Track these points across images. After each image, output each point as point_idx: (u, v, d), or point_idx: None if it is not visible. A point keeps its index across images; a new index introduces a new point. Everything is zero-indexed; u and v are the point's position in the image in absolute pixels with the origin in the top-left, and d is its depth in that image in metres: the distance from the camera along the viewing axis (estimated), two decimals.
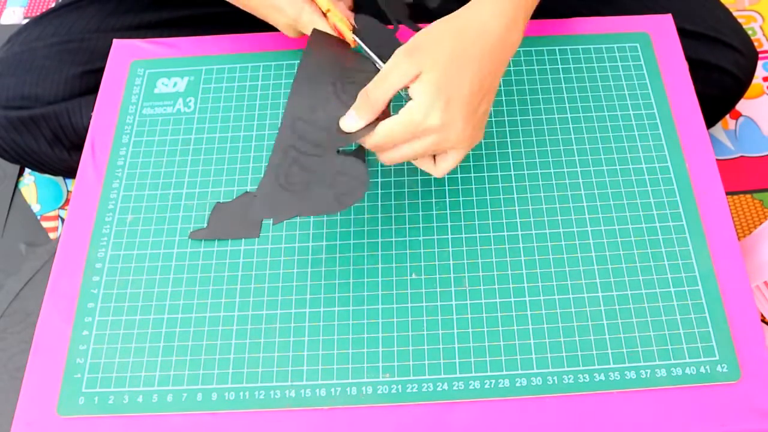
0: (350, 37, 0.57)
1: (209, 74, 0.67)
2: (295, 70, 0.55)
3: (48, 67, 0.77)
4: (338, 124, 0.52)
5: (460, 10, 0.52)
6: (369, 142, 0.51)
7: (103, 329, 0.54)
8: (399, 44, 0.51)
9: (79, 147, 0.73)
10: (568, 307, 0.53)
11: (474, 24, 0.51)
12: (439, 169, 0.54)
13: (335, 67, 0.55)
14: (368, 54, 0.56)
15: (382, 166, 0.61)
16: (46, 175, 0.93)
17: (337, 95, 0.53)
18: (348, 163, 0.51)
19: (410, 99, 0.49)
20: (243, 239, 0.58)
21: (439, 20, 0.51)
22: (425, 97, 0.48)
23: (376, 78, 0.50)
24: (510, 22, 0.51)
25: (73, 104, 0.77)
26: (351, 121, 0.51)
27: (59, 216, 0.90)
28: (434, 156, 0.54)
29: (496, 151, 0.61)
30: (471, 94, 0.49)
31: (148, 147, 0.63)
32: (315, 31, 0.58)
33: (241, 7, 0.64)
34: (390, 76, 0.49)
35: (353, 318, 0.54)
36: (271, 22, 0.63)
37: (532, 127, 0.62)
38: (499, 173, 0.60)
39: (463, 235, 0.57)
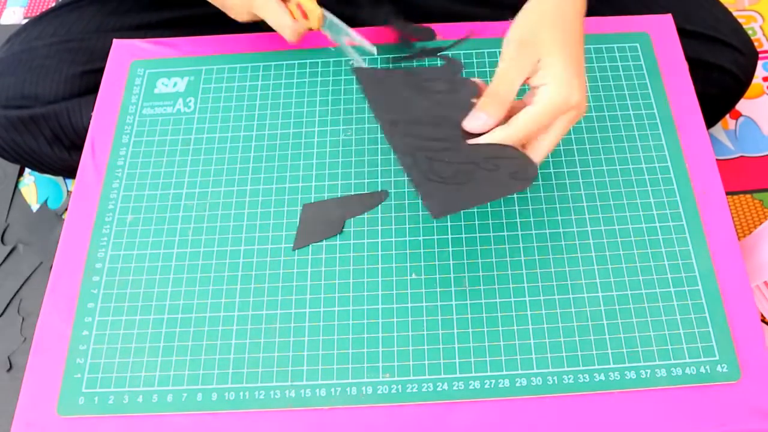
0: (318, 12, 0.56)
1: (209, 74, 0.67)
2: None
3: (48, 66, 0.77)
4: (462, 125, 0.51)
5: None
6: (511, 136, 0.50)
7: (103, 329, 0.54)
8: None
9: (78, 147, 0.73)
10: (568, 307, 0.53)
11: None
12: (542, 150, 0.52)
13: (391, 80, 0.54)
14: (340, 27, 0.55)
15: (381, 165, 0.61)
16: (46, 175, 0.93)
17: (416, 91, 0.53)
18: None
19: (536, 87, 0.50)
20: (243, 239, 0.58)
21: (521, 11, 0.52)
22: (562, 77, 0.49)
23: (496, 77, 0.50)
24: None
25: (72, 104, 0.77)
26: (480, 122, 0.50)
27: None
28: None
29: None
30: (581, 56, 0.51)
31: (148, 147, 0.63)
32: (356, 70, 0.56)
33: None
34: (510, 71, 0.50)
35: (353, 318, 0.54)
36: (224, 8, 0.63)
37: None
38: None
39: (463, 235, 0.57)
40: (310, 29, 0.62)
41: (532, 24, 0.51)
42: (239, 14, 0.62)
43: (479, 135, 0.51)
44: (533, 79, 0.50)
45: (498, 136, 0.50)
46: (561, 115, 0.50)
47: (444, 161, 0.50)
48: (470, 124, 0.51)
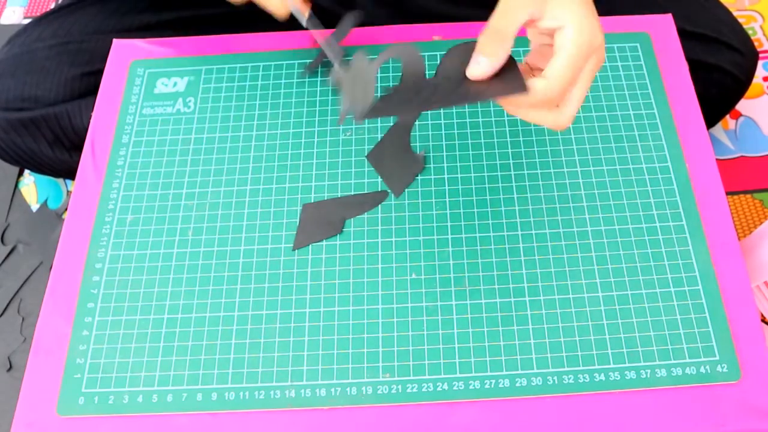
0: None
1: (209, 74, 0.67)
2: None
3: (48, 68, 0.77)
4: (465, 75, 0.45)
5: None
6: (551, 90, 0.44)
7: (103, 329, 0.54)
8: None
9: (79, 148, 0.73)
10: (568, 307, 0.53)
11: None
12: (567, 114, 0.47)
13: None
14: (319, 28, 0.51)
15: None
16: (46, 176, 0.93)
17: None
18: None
19: (554, 30, 0.44)
20: (243, 239, 0.58)
21: None
22: (584, 16, 0.43)
23: (496, 12, 0.44)
24: None
25: (73, 105, 0.77)
26: (481, 66, 0.44)
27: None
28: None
29: (496, 151, 0.61)
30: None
31: (148, 147, 0.63)
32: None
33: None
34: (512, 5, 0.44)
35: (353, 318, 0.54)
36: None
37: (533, 127, 0.62)
38: (499, 173, 0.60)
39: (463, 235, 0.57)
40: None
41: None
42: None
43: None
44: (543, 20, 0.44)
45: (537, 94, 0.44)
46: (587, 62, 0.45)
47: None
48: (472, 70, 0.45)
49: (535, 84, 0.44)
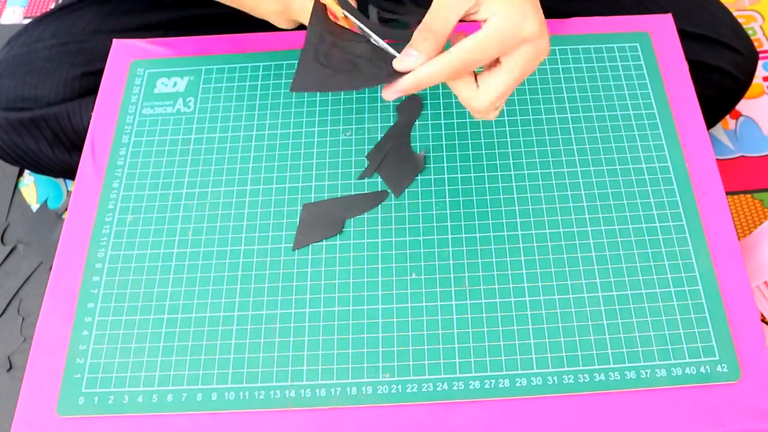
0: (340, 15, 0.53)
1: (209, 74, 0.67)
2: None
3: (48, 68, 0.77)
4: (392, 65, 0.46)
5: None
6: (444, 69, 0.44)
7: (103, 329, 0.54)
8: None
9: (79, 148, 0.73)
10: (568, 307, 0.53)
11: None
12: (484, 98, 0.47)
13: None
14: (362, 28, 0.50)
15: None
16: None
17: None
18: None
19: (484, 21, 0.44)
20: (243, 239, 0.58)
21: None
22: (512, 3, 0.43)
23: (430, 10, 0.45)
24: None
25: (73, 106, 0.77)
26: (410, 60, 0.45)
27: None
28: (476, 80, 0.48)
29: (496, 151, 0.61)
30: None
31: (148, 147, 0.63)
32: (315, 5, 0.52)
33: (229, 4, 0.62)
34: (446, 3, 0.44)
35: (353, 318, 0.54)
36: (260, 15, 0.60)
37: (532, 127, 0.62)
38: (499, 173, 0.60)
39: (463, 235, 0.57)
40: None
41: None
42: (279, 21, 0.59)
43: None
44: (477, 14, 0.45)
45: (434, 65, 0.44)
46: (514, 49, 0.45)
47: (344, 51, 0.46)
48: (400, 63, 0.46)
49: (432, 61, 0.45)
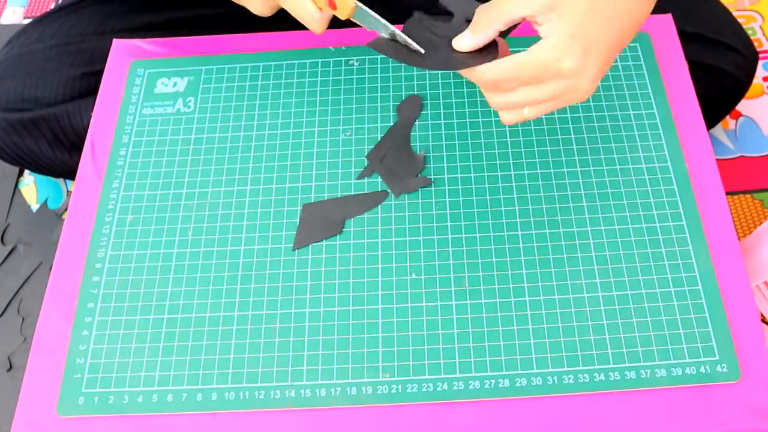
0: (349, 3, 0.51)
1: (209, 74, 0.67)
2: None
3: (48, 69, 0.77)
4: (453, 42, 0.49)
5: None
6: (488, 74, 0.47)
7: (103, 329, 0.54)
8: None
9: (79, 148, 0.73)
10: (568, 307, 0.53)
11: None
12: (535, 111, 0.49)
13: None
14: (373, 17, 0.52)
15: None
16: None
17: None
18: None
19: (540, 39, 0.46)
20: (243, 239, 0.58)
21: None
22: (563, 38, 0.45)
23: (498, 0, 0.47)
24: None
25: (73, 106, 0.77)
26: (465, 41, 0.48)
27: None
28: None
29: (496, 151, 0.61)
30: (611, 48, 0.47)
31: (148, 147, 0.63)
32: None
33: None
34: (515, 2, 0.46)
35: (353, 318, 0.54)
36: (244, 3, 0.58)
37: (532, 127, 0.62)
38: (499, 173, 0.60)
39: (463, 235, 0.57)
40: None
41: None
42: (260, 7, 0.57)
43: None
44: (537, 24, 0.47)
45: (478, 70, 0.48)
46: (546, 80, 0.47)
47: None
48: (457, 41, 0.49)
49: (480, 67, 0.48)
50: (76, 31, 0.79)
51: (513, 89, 0.48)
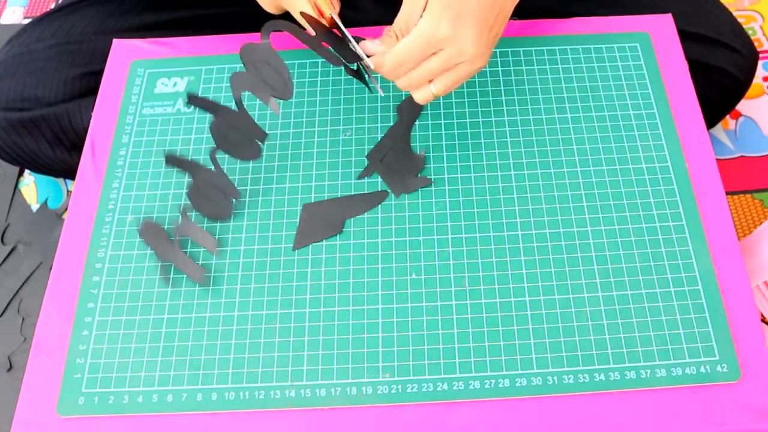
0: (327, 15, 0.56)
1: (209, 74, 0.67)
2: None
3: (48, 68, 0.77)
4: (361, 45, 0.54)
5: None
6: (387, 63, 0.52)
7: (103, 329, 0.54)
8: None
9: (79, 148, 0.73)
10: (568, 307, 0.53)
11: None
12: (439, 84, 0.54)
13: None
14: (343, 32, 0.56)
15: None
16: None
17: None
18: None
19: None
20: (243, 239, 0.58)
21: None
22: (437, 8, 0.50)
23: (398, 17, 0.53)
24: None
25: (73, 106, 0.77)
26: (374, 47, 0.54)
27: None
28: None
29: (496, 151, 0.61)
30: (482, 9, 0.51)
31: (148, 147, 0.63)
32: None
33: None
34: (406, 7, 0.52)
35: (353, 318, 0.54)
36: None
37: (532, 127, 0.62)
38: (499, 173, 0.60)
39: (463, 235, 0.57)
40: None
41: None
42: (268, 7, 0.61)
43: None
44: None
45: (377, 61, 0.53)
46: (434, 50, 0.51)
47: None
48: (366, 47, 0.54)
49: (385, 62, 0.53)
50: (76, 31, 0.79)
51: (412, 69, 0.53)
